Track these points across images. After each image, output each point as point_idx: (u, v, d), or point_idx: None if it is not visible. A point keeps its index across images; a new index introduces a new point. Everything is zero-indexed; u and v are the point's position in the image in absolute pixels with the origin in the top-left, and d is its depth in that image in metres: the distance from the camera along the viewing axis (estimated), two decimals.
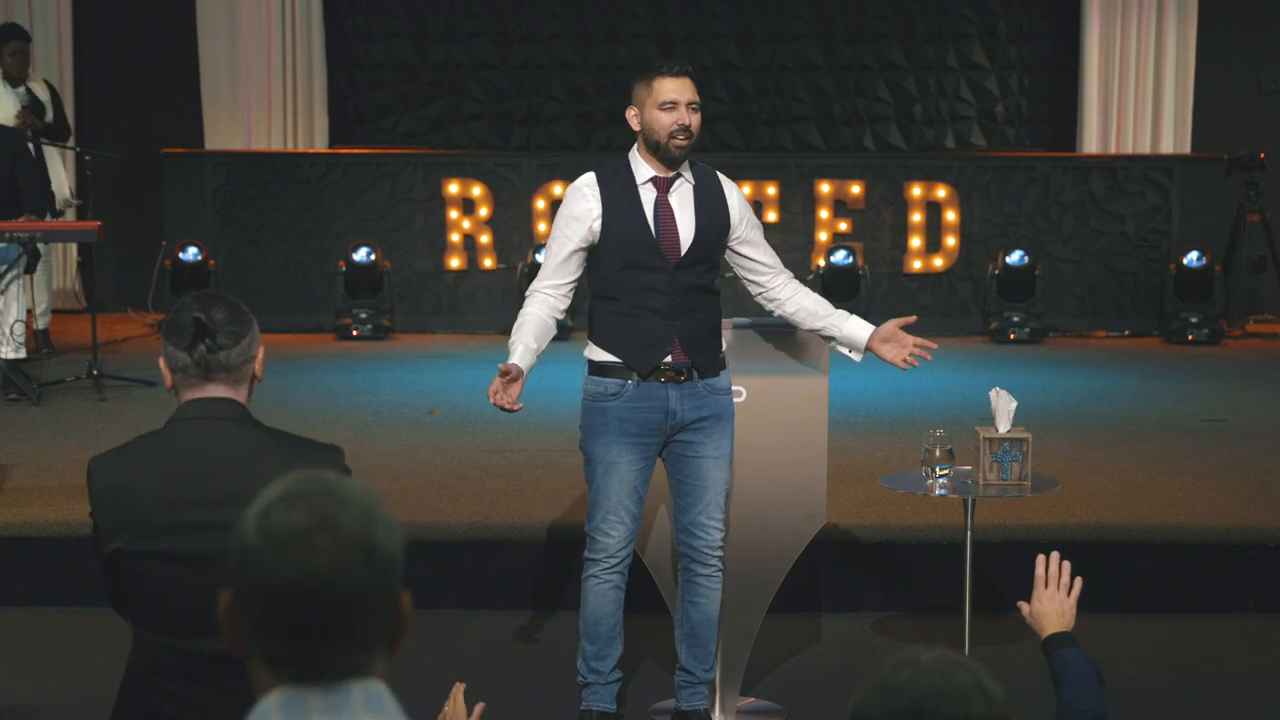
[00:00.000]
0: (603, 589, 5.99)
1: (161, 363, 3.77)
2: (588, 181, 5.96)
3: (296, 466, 3.61)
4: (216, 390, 3.75)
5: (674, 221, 5.88)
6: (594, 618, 6.04)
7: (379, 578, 2.29)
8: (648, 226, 5.87)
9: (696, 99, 5.85)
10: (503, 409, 5.68)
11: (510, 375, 5.70)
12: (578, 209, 5.91)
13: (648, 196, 5.89)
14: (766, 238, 6.20)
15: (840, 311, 6.13)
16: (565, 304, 5.97)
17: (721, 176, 6.01)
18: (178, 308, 3.81)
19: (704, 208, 5.89)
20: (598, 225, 5.87)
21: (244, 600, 2.28)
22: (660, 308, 5.85)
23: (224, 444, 3.70)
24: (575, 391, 11.20)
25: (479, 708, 3.80)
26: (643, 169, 5.92)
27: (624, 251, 5.85)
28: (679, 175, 5.91)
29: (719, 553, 6.00)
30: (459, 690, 3.83)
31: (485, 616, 7.43)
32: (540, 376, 12.06)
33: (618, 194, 5.91)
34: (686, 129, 5.81)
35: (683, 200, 5.90)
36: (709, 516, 5.95)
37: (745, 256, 6.05)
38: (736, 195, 6.00)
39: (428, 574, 7.41)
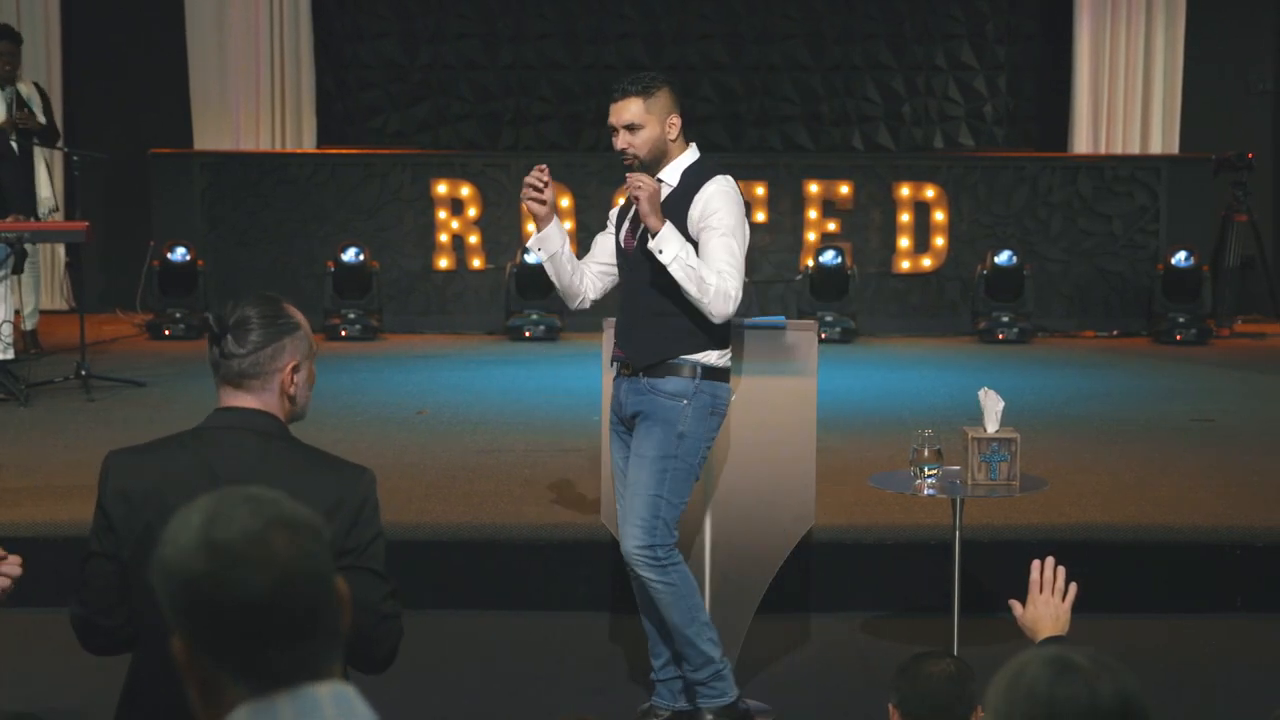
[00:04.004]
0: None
1: None
2: None
3: (321, 485, 3.62)
4: (245, 400, 3.70)
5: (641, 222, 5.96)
6: None
7: (331, 561, 2.28)
8: (624, 224, 6.09)
9: (635, 119, 5.88)
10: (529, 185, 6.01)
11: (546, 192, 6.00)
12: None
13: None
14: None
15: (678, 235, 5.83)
16: (595, 283, 6.20)
17: (713, 184, 5.91)
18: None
19: (669, 210, 5.90)
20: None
21: (205, 634, 2.21)
22: (622, 301, 6.06)
23: (245, 458, 3.64)
24: (563, 393, 11.23)
25: None
26: None
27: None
28: (661, 179, 5.96)
29: (639, 557, 5.91)
30: None
31: (475, 617, 7.43)
32: (528, 377, 12.08)
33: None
34: (623, 153, 5.95)
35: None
36: (625, 520, 5.96)
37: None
38: (708, 197, 5.87)
39: (418, 574, 7.41)
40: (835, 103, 15.20)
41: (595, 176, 13.81)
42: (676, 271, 5.74)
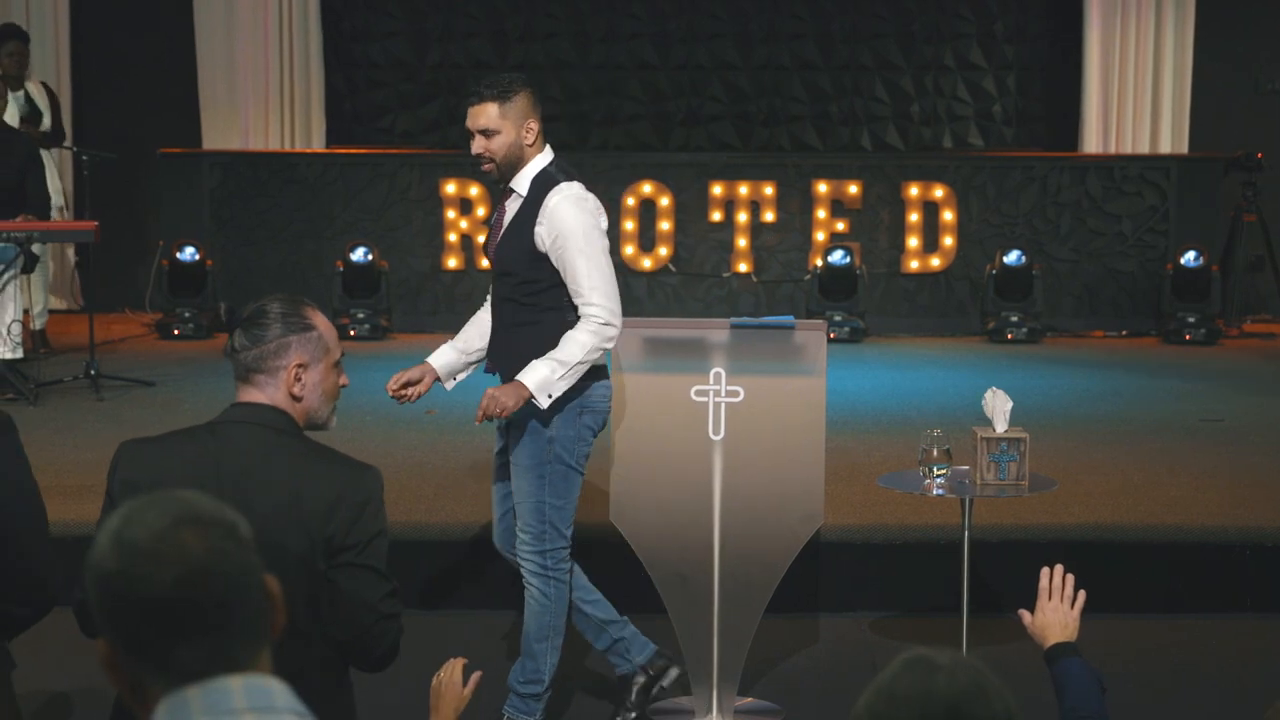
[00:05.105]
0: None
1: None
2: None
3: (323, 480, 3.63)
4: (258, 395, 3.74)
5: (499, 232, 6.04)
6: None
7: (250, 556, 2.31)
8: (489, 232, 6.16)
9: (490, 125, 5.90)
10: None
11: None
12: None
13: (505, 204, 6.06)
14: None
15: (534, 362, 5.80)
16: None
17: (555, 194, 5.86)
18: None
19: (517, 222, 5.94)
20: None
21: (122, 632, 2.26)
22: (493, 311, 6.12)
23: (254, 450, 3.67)
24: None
25: (475, 677, 3.78)
26: None
27: None
28: (513, 188, 5.98)
29: (527, 563, 6.01)
30: (458, 663, 3.81)
31: (484, 617, 7.43)
32: None
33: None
34: (480, 157, 5.96)
35: (511, 211, 6.01)
36: (518, 527, 6.04)
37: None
38: (552, 210, 5.85)
39: (426, 574, 7.42)
40: (844, 102, 15.20)
41: (603, 176, 13.80)
42: (566, 385, 5.78)
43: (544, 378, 5.74)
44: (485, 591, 7.58)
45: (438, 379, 6.14)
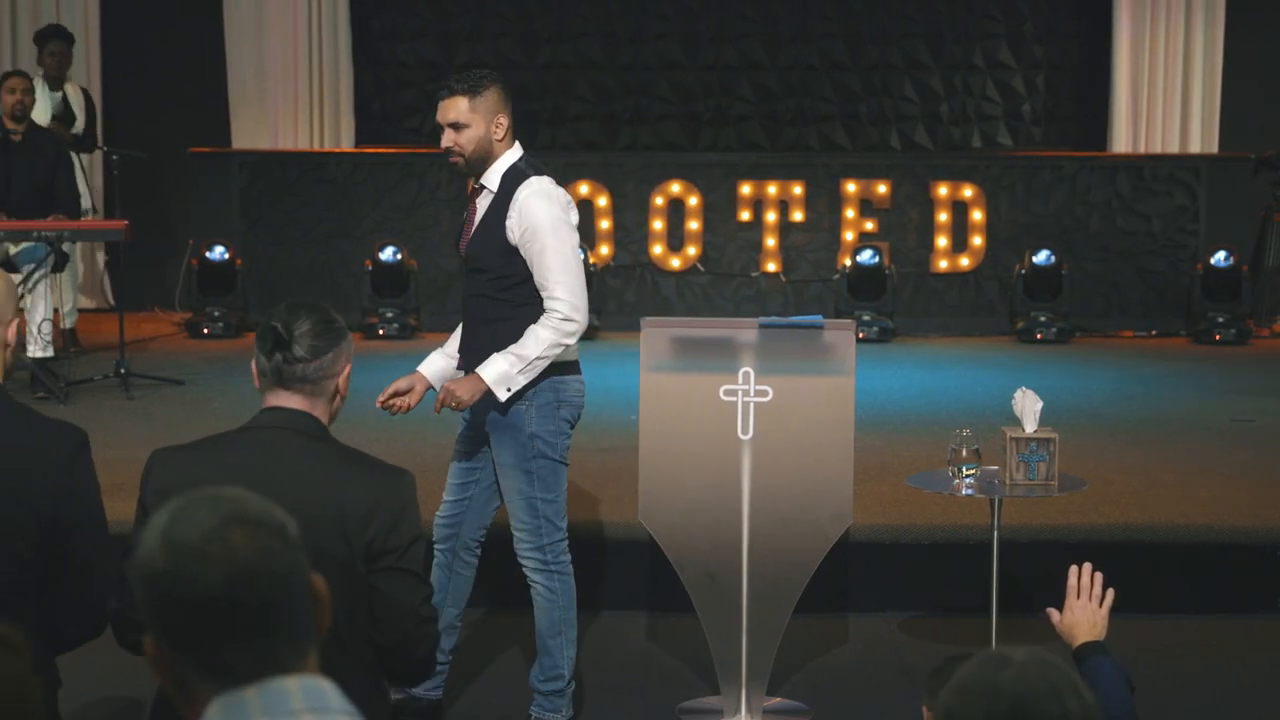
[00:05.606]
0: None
1: (253, 364, 3.79)
2: None
3: (359, 486, 3.65)
4: (292, 401, 3.74)
5: (470, 227, 6.03)
6: None
7: (297, 556, 2.30)
8: (460, 227, 6.16)
9: (460, 118, 5.89)
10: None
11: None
12: None
13: (475, 201, 6.06)
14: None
15: (494, 356, 5.83)
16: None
17: (525, 188, 5.87)
18: (270, 313, 3.79)
19: (489, 218, 5.94)
20: None
21: (168, 631, 2.25)
22: (465, 307, 6.10)
23: (288, 456, 3.69)
24: (600, 391, 11.17)
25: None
26: None
27: None
28: (483, 184, 5.98)
29: (528, 560, 6.08)
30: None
31: (512, 615, 7.43)
32: None
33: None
34: (449, 150, 5.97)
35: (482, 207, 6.01)
36: (511, 525, 6.07)
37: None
38: (521, 203, 5.85)
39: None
40: (873, 102, 15.19)
41: (632, 175, 13.80)
42: (526, 379, 5.82)
43: (502, 372, 5.78)
44: (511, 591, 7.58)
45: (430, 387, 6.11)
